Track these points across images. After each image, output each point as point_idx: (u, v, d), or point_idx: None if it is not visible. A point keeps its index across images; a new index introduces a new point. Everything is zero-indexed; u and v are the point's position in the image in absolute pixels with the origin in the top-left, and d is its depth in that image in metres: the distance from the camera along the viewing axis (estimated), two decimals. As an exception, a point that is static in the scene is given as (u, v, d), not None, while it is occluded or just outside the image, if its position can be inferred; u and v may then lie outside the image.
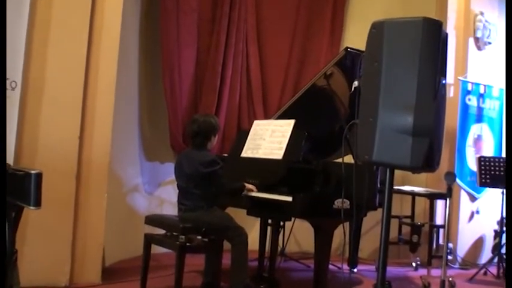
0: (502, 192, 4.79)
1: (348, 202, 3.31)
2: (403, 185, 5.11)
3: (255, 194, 3.55)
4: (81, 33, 3.75)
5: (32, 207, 2.25)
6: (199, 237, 3.39)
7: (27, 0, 3.53)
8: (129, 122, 4.76)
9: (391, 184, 2.12)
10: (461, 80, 5.35)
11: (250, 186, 3.58)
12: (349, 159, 3.76)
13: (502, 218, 4.83)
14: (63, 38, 3.70)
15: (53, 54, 3.67)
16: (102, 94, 3.86)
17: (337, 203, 3.31)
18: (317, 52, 5.55)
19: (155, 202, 5.09)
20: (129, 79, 4.72)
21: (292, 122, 3.73)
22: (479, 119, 5.47)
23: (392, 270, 4.79)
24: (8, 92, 3.39)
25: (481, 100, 5.47)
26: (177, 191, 3.59)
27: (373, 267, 4.87)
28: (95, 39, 3.83)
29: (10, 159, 3.41)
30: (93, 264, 3.83)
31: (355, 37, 5.24)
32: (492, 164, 4.75)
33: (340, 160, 3.48)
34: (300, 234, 5.26)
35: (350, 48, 3.68)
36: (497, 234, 4.94)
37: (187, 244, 3.29)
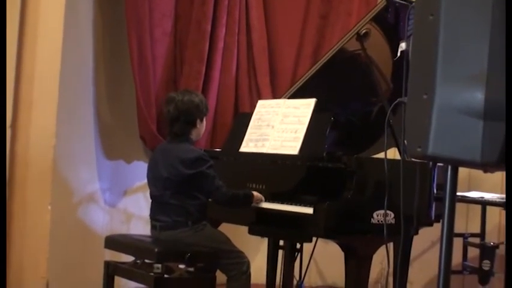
0: None
1: (393, 215, 3.32)
2: (469, 190, 5.11)
3: (262, 204, 3.56)
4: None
5: None
6: (182, 266, 3.41)
7: None
8: (81, 103, 4.75)
9: (454, 189, 2.13)
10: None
11: (258, 195, 3.57)
12: (393, 153, 3.78)
13: None
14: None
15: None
16: (43, 65, 3.87)
17: (378, 215, 3.32)
18: (346, 2, 5.54)
19: (119, 217, 5.10)
20: (81, 43, 4.70)
21: (312, 101, 3.73)
22: None
23: (454, 310, 4.81)
24: None
25: None
26: (150, 201, 3.61)
27: (427, 307, 4.89)
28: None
29: None
30: (33, 304, 3.87)
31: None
32: None
33: (381, 155, 3.49)
34: (324, 261, 5.28)
35: (393, -4, 3.69)
36: None
37: (166, 276, 3.31)
